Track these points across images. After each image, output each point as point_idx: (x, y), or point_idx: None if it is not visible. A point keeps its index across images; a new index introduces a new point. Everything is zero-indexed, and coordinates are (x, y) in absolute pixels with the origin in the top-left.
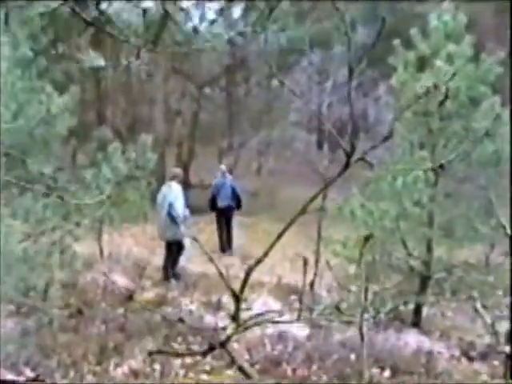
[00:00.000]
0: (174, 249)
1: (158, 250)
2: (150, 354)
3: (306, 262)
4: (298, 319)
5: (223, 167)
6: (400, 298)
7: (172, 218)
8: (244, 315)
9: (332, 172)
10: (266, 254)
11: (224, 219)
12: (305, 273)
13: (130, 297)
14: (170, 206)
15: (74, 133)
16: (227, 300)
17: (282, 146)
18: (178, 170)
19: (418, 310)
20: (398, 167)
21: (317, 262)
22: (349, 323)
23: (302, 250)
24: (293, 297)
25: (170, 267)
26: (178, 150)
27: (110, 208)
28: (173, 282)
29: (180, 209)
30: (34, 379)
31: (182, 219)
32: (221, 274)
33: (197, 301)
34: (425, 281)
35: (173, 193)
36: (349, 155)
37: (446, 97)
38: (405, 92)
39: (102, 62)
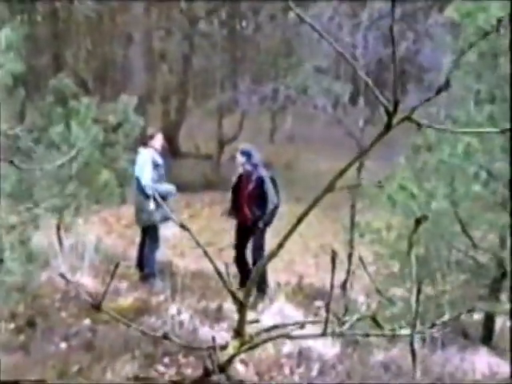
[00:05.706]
0: (150, 235)
1: (137, 240)
2: (128, 380)
3: (334, 256)
4: (324, 334)
5: (246, 148)
6: (463, 304)
7: (145, 195)
8: (252, 328)
9: (370, 135)
10: (280, 246)
11: (255, 234)
12: (333, 270)
13: (98, 304)
14: (137, 179)
15: (21, 81)
16: (231, 307)
17: (303, 102)
18: (151, 130)
19: (488, 322)
20: (459, 128)
21: (350, 256)
22: (391, 339)
23: (330, 241)
24: (318, 303)
25: (148, 263)
26: (163, 107)
27: (80, 187)
28: (158, 282)
29: (148, 180)
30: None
31: (153, 193)
32: (219, 273)
33: (190, 308)
34: (497, 282)
35: (139, 162)
36: (390, 114)
37: None
38: (467, 26)
39: None
